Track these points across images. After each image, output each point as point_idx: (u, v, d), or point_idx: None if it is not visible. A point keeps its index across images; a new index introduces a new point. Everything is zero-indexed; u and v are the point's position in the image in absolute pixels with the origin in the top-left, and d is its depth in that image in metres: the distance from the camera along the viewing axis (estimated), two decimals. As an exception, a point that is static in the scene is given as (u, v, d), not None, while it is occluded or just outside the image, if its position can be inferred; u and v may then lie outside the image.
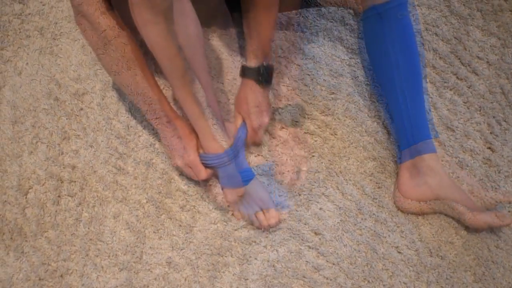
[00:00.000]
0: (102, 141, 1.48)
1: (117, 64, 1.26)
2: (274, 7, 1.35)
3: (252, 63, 1.40)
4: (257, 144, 1.45)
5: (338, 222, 1.43)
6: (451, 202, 1.39)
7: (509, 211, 1.47)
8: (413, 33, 1.40)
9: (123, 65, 1.25)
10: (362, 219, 1.44)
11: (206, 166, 1.32)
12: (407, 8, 1.37)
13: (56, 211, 1.39)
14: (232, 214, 1.42)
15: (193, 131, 1.32)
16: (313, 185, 1.47)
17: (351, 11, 1.63)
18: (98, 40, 1.22)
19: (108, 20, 1.19)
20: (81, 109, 1.52)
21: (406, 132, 1.43)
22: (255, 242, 1.38)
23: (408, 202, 1.44)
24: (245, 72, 1.41)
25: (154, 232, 1.39)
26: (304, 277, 1.35)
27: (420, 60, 1.65)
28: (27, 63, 1.57)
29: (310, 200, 1.45)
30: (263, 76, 1.39)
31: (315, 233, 1.41)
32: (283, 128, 1.55)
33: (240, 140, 1.37)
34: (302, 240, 1.40)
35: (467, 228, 1.43)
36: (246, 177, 1.39)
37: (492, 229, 1.43)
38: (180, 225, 1.40)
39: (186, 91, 1.25)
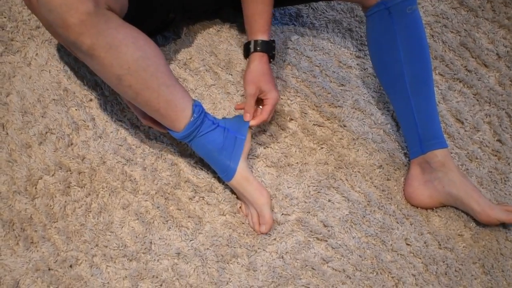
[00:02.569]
0: (111, 132, 1.48)
1: None
2: None
3: (265, 37, 1.40)
4: (268, 120, 1.41)
5: (346, 214, 1.43)
6: (463, 199, 1.39)
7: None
8: (423, 28, 1.37)
9: None
10: (371, 211, 1.44)
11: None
12: (416, 2, 1.34)
13: (65, 201, 1.40)
14: (240, 207, 1.43)
15: None
16: (321, 176, 1.47)
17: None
18: None
19: None
20: (91, 100, 1.52)
21: (416, 141, 1.41)
22: (263, 233, 1.39)
23: (420, 199, 1.43)
24: (258, 46, 1.39)
25: (163, 223, 1.39)
26: (312, 268, 1.35)
27: (430, 53, 1.64)
28: (36, 54, 1.57)
29: (318, 192, 1.45)
30: (274, 51, 1.42)
31: (324, 225, 1.41)
32: (292, 119, 1.55)
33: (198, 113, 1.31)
34: (310, 231, 1.40)
35: (476, 220, 1.43)
36: (230, 171, 1.37)
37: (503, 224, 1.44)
38: (189, 216, 1.40)
39: (140, 110, 1.30)
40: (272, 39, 1.43)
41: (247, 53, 1.42)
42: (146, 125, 1.38)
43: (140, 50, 1.16)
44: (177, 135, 1.29)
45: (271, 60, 1.42)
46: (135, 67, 1.16)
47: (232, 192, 1.44)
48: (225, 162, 1.35)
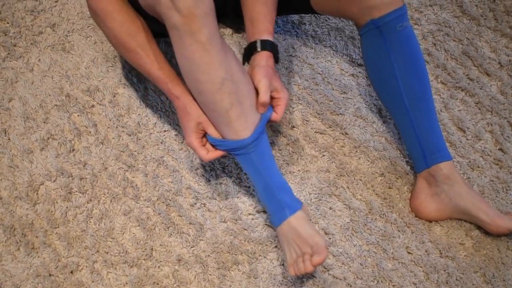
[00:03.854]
0: (113, 138, 1.48)
1: (115, 39, 1.28)
2: None
3: (270, 37, 1.33)
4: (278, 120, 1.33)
5: (348, 222, 1.43)
6: (470, 210, 1.38)
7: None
8: (417, 44, 1.36)
9: (120, 40, 1.27)
10: (372, 219, 1.44)
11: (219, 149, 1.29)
12: (407, 19, 1.33)
13: (66, 207, 1.40)
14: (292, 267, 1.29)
15: (192, 113, 1.27)
16: (323, 184, 1.47)
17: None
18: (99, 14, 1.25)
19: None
20: (93, 106, 1.52)
21: (419, 155, 1.41)
22: (265, 240, 1.39)
23: (427, 212, 1.43)
24: (267, 45, 1.32)
25: (164, 229, 1.39)
26: (313, 276, 1.35)
27: (426, 66, 1.64)
28: (39, 59, 1.57)
29: (320, 200, 1.45)
30: (278, 51, 1.36)
31: (325, 233, 1.41)
32: (293, 127, 1.55)
33: (265, 118, 1.28)
34: (312, 239, 1.40)
35: (478, 229, 1.43)
36: (292, 206, 1.30)
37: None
38: (190, 223, 1.40)
39: (229, 127, 1.24)
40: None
41: (249, 54, 1.34)
42: (188, 145, 1.30)
43: (240, 63, 1.24)
44: (245, 141, 1.24)
45: (276, 59, 1.36)
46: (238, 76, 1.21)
47: (234, 197, 1.44)
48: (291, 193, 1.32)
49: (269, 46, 1.32)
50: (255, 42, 1.33)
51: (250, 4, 1.35)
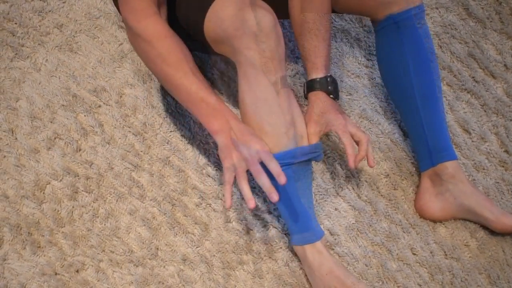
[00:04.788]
0: (119, 138, 1.49)
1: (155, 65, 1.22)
2: (328, 13, 1.33)
3: (319, 74, 1.31)
4: (372, 164, 1.30)
5: (353, 223, 1.43)
6: (475, 209, 1.38)
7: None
8: (432, 44, 1.39)
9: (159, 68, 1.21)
10: (377, 220, 1.44)
11: None
12: (424, 17, 1.36)
13: (72, 206, 1.40)
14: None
15: None
16: (328, 185, 1.47)
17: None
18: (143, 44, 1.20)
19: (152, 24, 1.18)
20: (99, 106, 1.53)
21: (426, 154, 1.42)
22: (270, 241, 1.39)
23: (431, 212, 1.43)
24: (314, 85, 1.31)
25: (169, 229, 1.39)
26: (318, 276, 1.36)
27: (437, 62, 1.64)
28: (46, 60, 1.58)
29: (325, 200, 1.45)
30: (333, 86, 1.32)
31: (330, 233, 1.41)
32: (299, 128, 1.55)
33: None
34: (316, 239, 1.40)
35: (483, 230, 1.43)
36: (316, 233, 1.29)
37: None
38: (196, 223, 1.40)
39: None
40: (329, 74, 1.33)
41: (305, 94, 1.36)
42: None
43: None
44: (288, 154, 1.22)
45: (332, 96, 1.32)
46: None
47: (239, 197, 1.44)
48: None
49: (318, 85, 1.31)
50: (306, 83, 1.35)
51: (298, 41, 1.35)
